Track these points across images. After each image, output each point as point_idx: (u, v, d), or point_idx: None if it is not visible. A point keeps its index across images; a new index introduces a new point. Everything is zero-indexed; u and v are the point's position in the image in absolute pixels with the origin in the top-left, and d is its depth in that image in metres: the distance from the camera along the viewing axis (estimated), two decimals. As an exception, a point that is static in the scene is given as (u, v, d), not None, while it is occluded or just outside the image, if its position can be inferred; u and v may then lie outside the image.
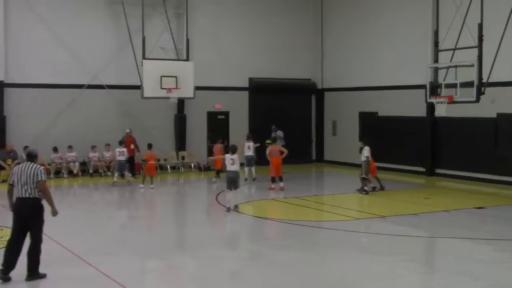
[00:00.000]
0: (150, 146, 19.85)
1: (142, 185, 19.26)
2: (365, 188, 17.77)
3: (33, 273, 9.18)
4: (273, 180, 18.47)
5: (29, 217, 9.13)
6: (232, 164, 13.93)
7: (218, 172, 20.08)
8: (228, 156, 14.26)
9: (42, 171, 9.18)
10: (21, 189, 9.10)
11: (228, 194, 13.97)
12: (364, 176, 17.69)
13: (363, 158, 17.67)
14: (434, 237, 12.77)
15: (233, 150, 14.41)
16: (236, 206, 14.09)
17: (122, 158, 20.10)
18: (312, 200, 17.13)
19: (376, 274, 9.84)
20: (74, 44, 22.45)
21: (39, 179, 9.10)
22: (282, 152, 18.59)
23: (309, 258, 10.85)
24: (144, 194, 18.58)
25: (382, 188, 18.11)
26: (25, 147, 21.08)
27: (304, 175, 19.94)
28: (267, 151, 19.04)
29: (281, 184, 18.34)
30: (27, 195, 9.09)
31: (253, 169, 20.47)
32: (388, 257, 10.83)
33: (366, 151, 17.71)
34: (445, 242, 12.20)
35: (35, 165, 9.22)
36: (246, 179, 20.20)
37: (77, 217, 14.10)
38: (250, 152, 20.50)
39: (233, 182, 13.93)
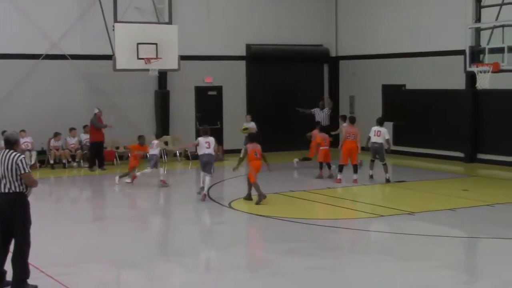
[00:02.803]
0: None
1: (128, 180, 18.92)
2: (386, 177, 18.41)
3: (21, 285, 9.17)
4: (341, 169, 18.56)
5: (10, 216, 9.16)
6: (208, 147, 16.16)
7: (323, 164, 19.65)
8: (202, 139, 16.27)
9: (23, 161, 9.16)
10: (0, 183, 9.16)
11: (208, 177, 16.11)
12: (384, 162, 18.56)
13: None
14: (476, 238, 12.76)
15: (206, 132, 16.57)
16: (202, 189, 16.22)
17: (155, 152, 18.81)
18: (326, 193, 17.12)
19: (407, 284, 9.82)
20: (27, 4, 22.29)
21: (22, 172, 9.11)
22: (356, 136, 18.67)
23: (323, 266, 10.83)
24: (118, 190, 18.56)
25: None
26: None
27: (315, 163, 19.95)
28: (344, 133, 18.81)
29: (339, 175, 18.51)
30: (7, 190, 9.13)
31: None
32: (420, 263, 10.81)
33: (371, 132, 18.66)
34: (489, 244, 12.19)
35: (14, 153, 9.20)
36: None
37: (36, 219, 14.07)
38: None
39: (210, 165, 16.25)
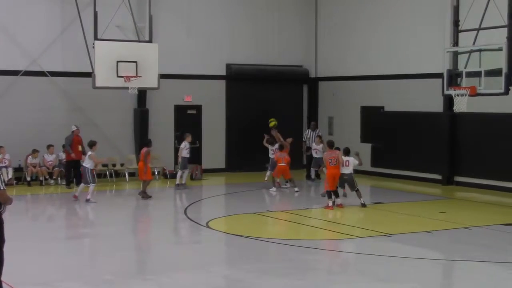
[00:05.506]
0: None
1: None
2: (362, 201, 17.97)
3: None
4: (330, 195, 17.81)
5: None
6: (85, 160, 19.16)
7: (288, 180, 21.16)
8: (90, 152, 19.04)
9: None
10: None
11: (82, 185, 19.10)
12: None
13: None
14: (452, 260, 12.79)
15: (91, 145, 19.12)
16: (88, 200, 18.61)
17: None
18: (303, 214, 17.11)
19: (382, 305, 9.84)
20: (6, 20, 22.21)
21: None
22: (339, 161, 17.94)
23: (300, 286, 10.80)
24: (96, 208, 18.45)
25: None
26: None
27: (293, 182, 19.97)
28: (324, 157, 18.25)
29: (339, 200, 17.93)
30: None
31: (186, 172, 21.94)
32: (396, 285, 10.83)
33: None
34: (465, 266, 12.22)
35: None
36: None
37: (12, 236, 13.92)
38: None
39: (84, 175, 19.24)
